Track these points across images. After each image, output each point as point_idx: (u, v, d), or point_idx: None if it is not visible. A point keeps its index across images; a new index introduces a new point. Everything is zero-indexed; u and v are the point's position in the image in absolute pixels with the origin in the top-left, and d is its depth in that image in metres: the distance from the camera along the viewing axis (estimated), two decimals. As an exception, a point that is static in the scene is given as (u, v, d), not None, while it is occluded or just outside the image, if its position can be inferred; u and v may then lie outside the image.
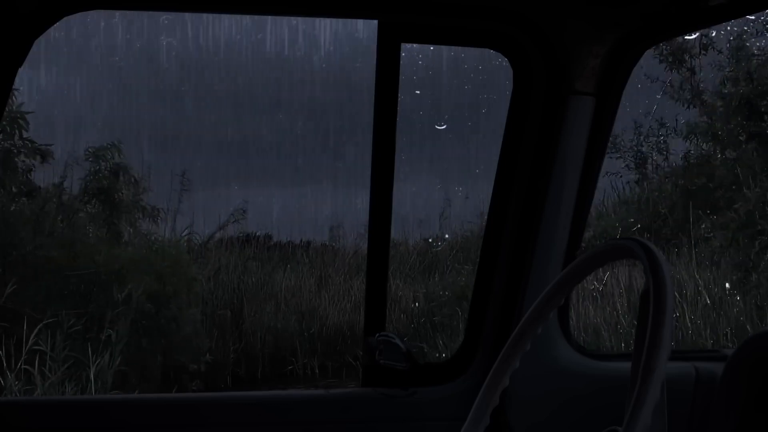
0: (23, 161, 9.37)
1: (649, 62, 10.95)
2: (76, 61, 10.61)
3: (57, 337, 7.75)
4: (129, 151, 10.45)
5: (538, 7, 2.24)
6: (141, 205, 10.54)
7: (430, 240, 12.82)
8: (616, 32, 2.28)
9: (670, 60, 11.54)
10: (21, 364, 7.32)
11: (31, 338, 7.40)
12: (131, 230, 10.50)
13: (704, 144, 11.29)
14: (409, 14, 2.23)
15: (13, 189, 9.37)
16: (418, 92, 8.80)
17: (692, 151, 11.66)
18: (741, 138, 10.17)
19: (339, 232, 13.23)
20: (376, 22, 2.29)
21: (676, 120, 11.93)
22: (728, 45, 10.93)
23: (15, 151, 9.22)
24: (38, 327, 7.56)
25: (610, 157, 11.51)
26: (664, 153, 12.14)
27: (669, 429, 1.58)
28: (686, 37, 10.92)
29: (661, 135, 12.12)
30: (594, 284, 9.49)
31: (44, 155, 9.41)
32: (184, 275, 10.01)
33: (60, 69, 10.77)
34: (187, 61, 11.07)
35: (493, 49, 2.40)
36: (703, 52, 11.48)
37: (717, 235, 9.53)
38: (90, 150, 10.18)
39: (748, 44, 10.82)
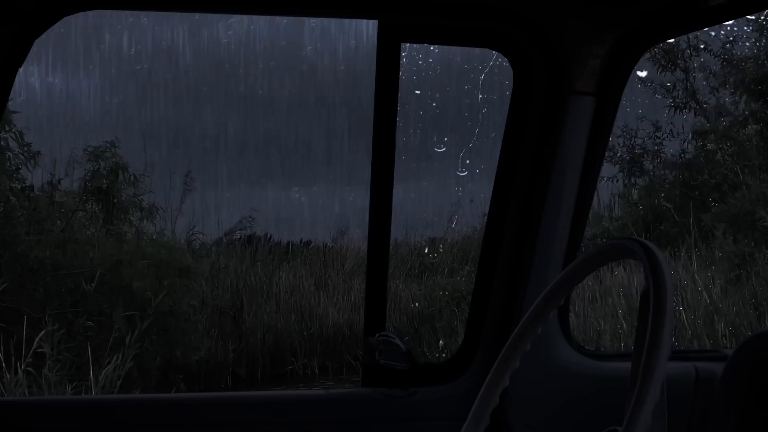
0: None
1: (643, 66, 10.97)
2: (72, 60, 10.61)
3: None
4: (130, 151, 10.45)
5: (538, 7, 2.24)
6: (140, 206, 10.52)
7: (426, 250, 13.01)
8: (616, 32, 2.28)
9: (663, 63, 11.53)
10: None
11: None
12: (132, 229, 10.50)
13: (706, 143, 11.30)
14: (409, 14, 2.23)
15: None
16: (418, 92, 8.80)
17: (693, 150, 11.68)
18: (749, 124, 10.12)
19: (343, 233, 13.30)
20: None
21: (673, 123, 11.97)
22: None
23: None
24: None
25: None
26: (660, 155, 12.16)
27: (669, 429, 1.58)
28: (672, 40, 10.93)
29: (658, 138, 12.16)
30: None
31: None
32: (180, 273, 10.01)
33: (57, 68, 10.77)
34: (187, 61, 11.07)
35: (493, 49, 2.40)
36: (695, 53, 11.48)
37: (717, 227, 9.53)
38: (88, 149, 10.17)
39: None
